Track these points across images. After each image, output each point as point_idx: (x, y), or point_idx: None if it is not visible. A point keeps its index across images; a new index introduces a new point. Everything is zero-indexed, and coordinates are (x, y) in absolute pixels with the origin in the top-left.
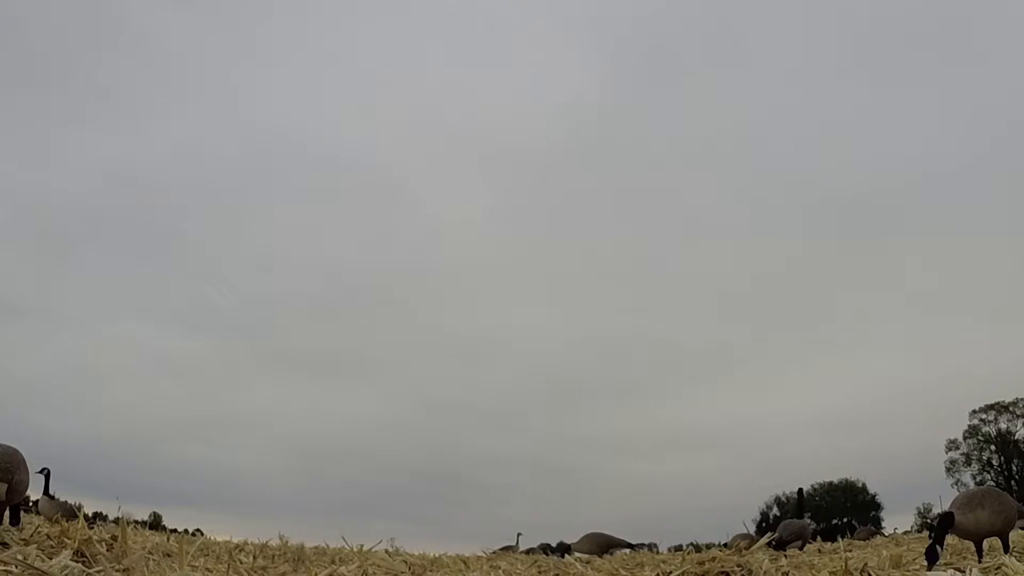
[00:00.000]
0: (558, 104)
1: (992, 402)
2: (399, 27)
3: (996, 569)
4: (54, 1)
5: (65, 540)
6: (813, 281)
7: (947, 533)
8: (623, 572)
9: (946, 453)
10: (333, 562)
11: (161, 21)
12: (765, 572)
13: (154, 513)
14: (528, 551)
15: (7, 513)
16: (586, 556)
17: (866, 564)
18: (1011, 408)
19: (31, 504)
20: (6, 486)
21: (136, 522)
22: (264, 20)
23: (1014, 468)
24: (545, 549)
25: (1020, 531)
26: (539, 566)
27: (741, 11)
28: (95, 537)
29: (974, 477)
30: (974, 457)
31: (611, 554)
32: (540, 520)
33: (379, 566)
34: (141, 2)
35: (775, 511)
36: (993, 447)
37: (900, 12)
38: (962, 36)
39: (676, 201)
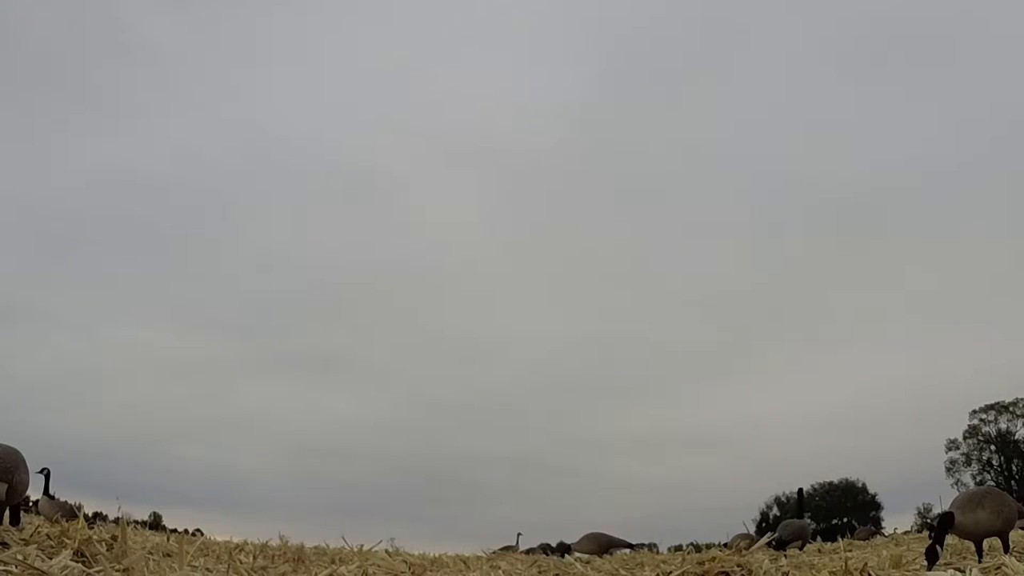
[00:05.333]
0: (558, 104)
1: (992, 402)
2: (398, 29)
3: (996, 569)
4: (53, 4)
5: (65, 540)
6: (813, 281)
7: (947, 533)
8: (623, 572)
9: (946, 453)
10: (333, 562)
11: (159, 23)
12: (765, 572)
13: (154, 513)
14: (528, 551)
15: (7, 513)
16: (586, 556)
17: (866, 564)
18: (1011, 408)
19: (31, 504)
20: (6, 486)
21: (136, 522)
22: (262, 22)
23: (1014, 468)
24: (545, 549)
25: (1020, 531)
26: (539, 566)
27: (741, 11)
28: (95, 537)
29: (974, 477)
30: (974, 457)
31: (611, 554)
32: (540, 520)
33: (379, 566)
34: (139, 5)
35: (775, 511)
36: (993, 447)
37: (900, 12)
38: (963, 36)
39: (676, 201)
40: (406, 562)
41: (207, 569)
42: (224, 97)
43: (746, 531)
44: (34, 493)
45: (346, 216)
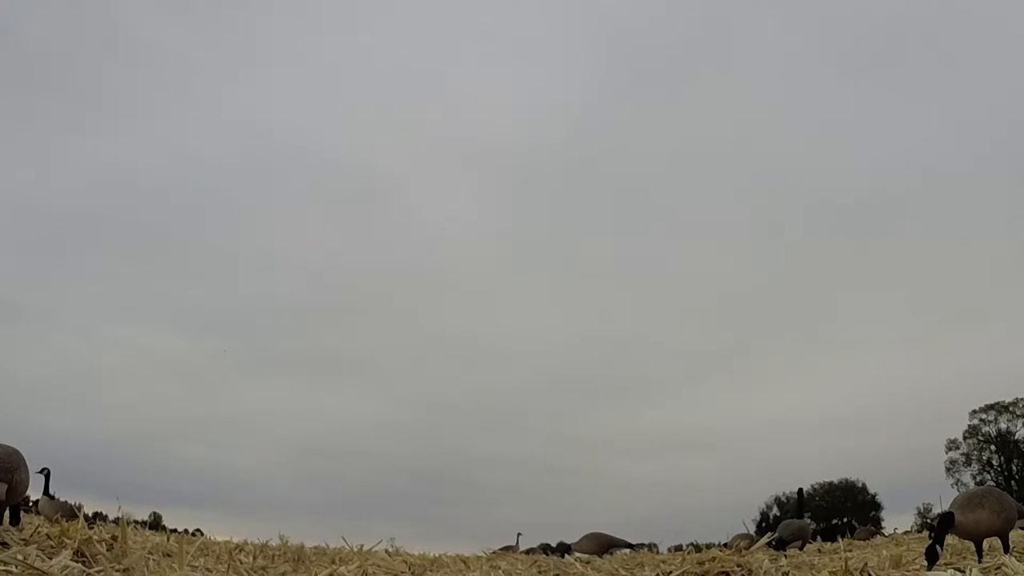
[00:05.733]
0: (558, 104)
1: (992, 402)
2: (398, 29)
3: (996, 569)
4: (53, 6)
5: (65, 540)
6: (813, 281)
7: (947, 533)
8: (623, 572)
9: (946, 453)
10: (333, 562)
11: (159, 24)
12: (765, 572)
13: (154, 513)
14: (528, 551)
15: (7, 513)
16: (586, 556)
17: (866, 564)
18: (1011, 408)
19: (31, 504)
20: (6, 486)
21: (136, 522)
22: (262, 22)
23: (1014, 468)
24: (545, 549)
25: (1020, 531)
26: (539, 566)
27: (740, 12)
28: (95, 537)
29: (974, 477)
30: (974, 457)
31: (611, 554)
32: (540, 520)
33: (379, 566)
34: (139, 6)
35: (775, 511)
36: (993, 447)
37: (900, 12)
38: (962, 37)
39: (676, 201)
40: (406, 562)
41: (207, 569)
42: (224, 97)
43: (746, 531)
44: (34, 493)
45: (346, 216)
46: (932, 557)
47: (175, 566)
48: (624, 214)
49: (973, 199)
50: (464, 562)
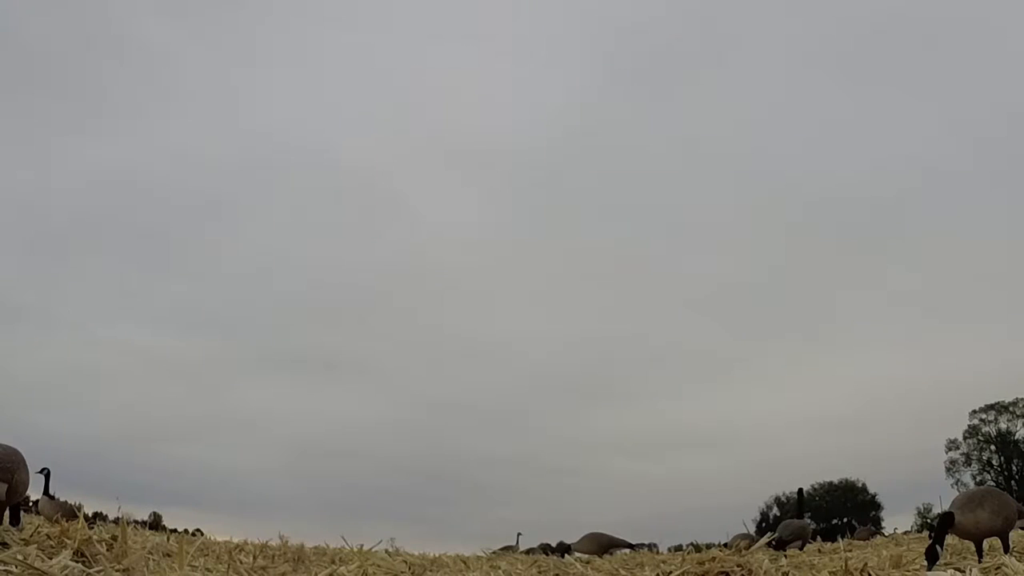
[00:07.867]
0: (557, 104)
1: (992, 402)
2: (398, 29)
3: (996, 569)
4: (53, 6)
5: (65, 540)
6: (813, 281)
7: (947, 533)
8: (623, 572)
9: (946, 453)
10: (333, 562)
11: (159, 27)
12: (765, 572)
13: (154, 513)
14: (528, 551)
15: (7, 513)
16: (586, 556)
17: (866, 564)
18: (1011, 408)
19: (31, 504)
20: (6, 486)
21: (136, 522)
22: (261, 24)
23: (1014, 468)
24: (545, 549)
25: (1020, 531)
26: (539, 566)
27: (741, 11)
28: (95, 537)
29: (974, 477)
30: (974, 457)
31: (611, 554)
32: (540, 520)
33: (379, 566)
34: (139, 7)
35: (775, 511)
36: (993, 447)
37: (900, 13)
38: (962, 37)
39: (676, 201)
40: (406, 562)
41: (207, 569)
42: (224, 98)
43: (746, 531)
44: (34, 493)
45: (346, 216)
46: (932, 557)
47: (175, 566)
48: (624, 214)
49: (973, 199)
50: (464, 562)
